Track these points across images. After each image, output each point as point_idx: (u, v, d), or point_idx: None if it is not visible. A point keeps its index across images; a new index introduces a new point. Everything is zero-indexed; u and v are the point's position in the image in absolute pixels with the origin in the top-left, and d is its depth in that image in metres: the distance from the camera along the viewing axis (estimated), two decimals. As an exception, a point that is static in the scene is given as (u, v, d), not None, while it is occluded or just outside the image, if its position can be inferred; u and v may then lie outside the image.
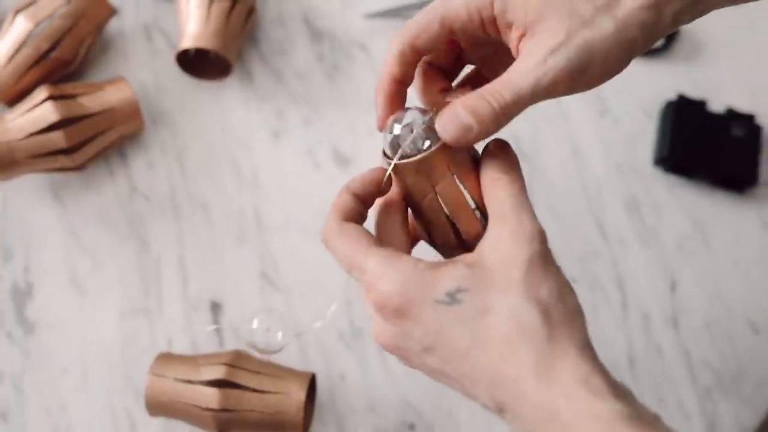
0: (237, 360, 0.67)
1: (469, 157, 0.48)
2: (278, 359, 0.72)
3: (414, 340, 0.44)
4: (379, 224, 0.49)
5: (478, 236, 0.46)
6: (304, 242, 0.77)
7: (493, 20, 0.47)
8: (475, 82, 0.52)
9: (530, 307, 0.42)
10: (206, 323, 0.74)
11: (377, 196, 0.49)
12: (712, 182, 0.81)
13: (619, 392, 0.41)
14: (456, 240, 0.48)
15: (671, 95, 0.84)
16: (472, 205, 0.47)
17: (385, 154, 0.49)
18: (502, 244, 0.44)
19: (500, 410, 0.43)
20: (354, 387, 0.73)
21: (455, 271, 0.43)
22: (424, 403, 0.72)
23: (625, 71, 0.86)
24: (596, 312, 0.76)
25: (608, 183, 0.81)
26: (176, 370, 0.67)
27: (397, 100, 0.49)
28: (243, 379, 0.66)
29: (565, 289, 0.43)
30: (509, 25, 0.46)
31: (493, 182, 0.46)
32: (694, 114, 0.81)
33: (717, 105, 0.84)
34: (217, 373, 0.65)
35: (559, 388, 0.40)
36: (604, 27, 0.44)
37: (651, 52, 0.85)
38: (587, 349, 0.42)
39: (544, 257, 0.44)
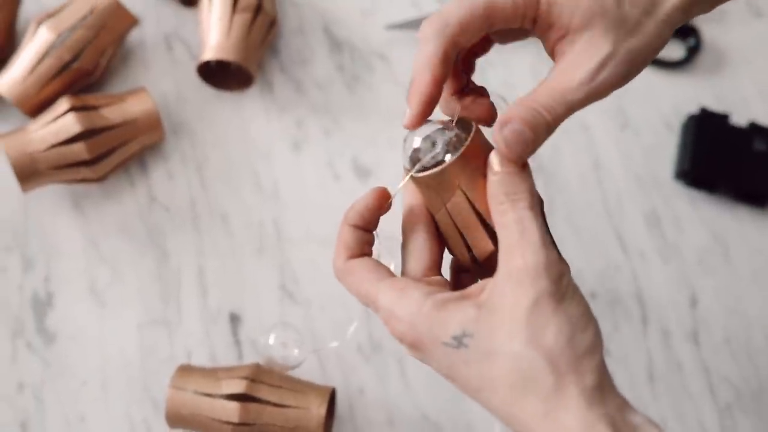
0: (257, 374, 0.67)
1: (483, 173, 0.46)
2: (297, 372, 0.72)
3: (433, 365, 0.45)
4: (405, 233, 0.48)
5: (491, 256, 0.46)
6: (324, 254, 0.77)
7: (535, 18, 0.46)
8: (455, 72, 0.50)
9: (534, 355, 0.41)
10: (225, 335, 0.74)
11: (379, 217, 0.48)
12: (734, 196, 0.80)
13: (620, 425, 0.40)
14: (471, 258, 0.47)
15: (693, 108, 0.84)
16: (482, 224, 0.46)
17: (407, 165, 0.48)
18: (508, 284, 0.42)
19: None
20: (373, 400, 0.73)
21: (462, 313, 0.43)
22: (443, 418, 0.72)
23: (646, 84, 0.86)
24: (616, 327, 0.76)
25: (629, 196, 0.81)
26: (196, 383, 0.67)
27: (435, 102, 0.47)
28: (263, 393, 0.66)
29: (576, 326, 0.42)
30: (550, 25, 0.45)
31: (499, 207, 0.44)
32: (717, 127, 0.81)
33: (739, 118, 0.83)
34: (238, 387, 0.65)
35: (562, 428, 0.40)
36: (647, 32, 0.45)
37: (673, 65, 0.85)
38: (597, 392, 0.41)
39: (552, 294, 0.42)
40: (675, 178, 0.81)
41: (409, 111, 0.47)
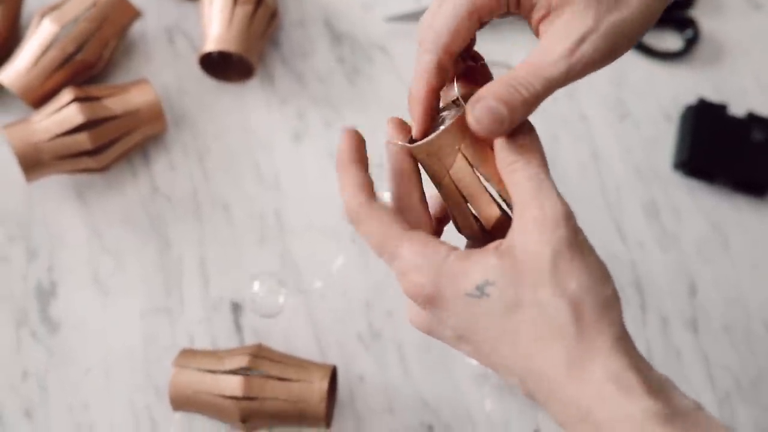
0: (259, 350, 0.68)
1: (485, 139, 0.46)
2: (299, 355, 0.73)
3: (447, 328, 0.44)
4: (397, 196, 0.47)
5: (499, 223, 0.46)
6: (325, 244, 0.78)
7: (518, 0, 0.46)
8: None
9: (560, 303, 0.41)
10: (227, 323, 0.75)
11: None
12: (732, 186, 0.80)
13: (654, 388, 0.40)
14: (478, 227, 0.47)
15: (691, 99, 0.84)
16: (490, 189, 0.46)
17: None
18: (528, 234, 0.42)
19: (533, 397, 0.43)
20: (373, 388, 0.73)
21: (485, 262, 0.42)
22: (443, 404, 0.73)
23: (645, 75, 0.86)
24: (615, 315, 0.76)
25: (628, 186, 0.81)
26: (199, 362, 0.68)
27: (435, 109, 0.48)
28: (266, 367, 0.67)
29: (597, 278, 0.42)
30: (532, 5, 0.45)
31: (509, 167, 0.44)
32: (715, 118, 0.81)
33: (738, 109, 0.84)
34: (240, 362, 0.66)
35: (590, 387, 0.40)
36: (631, 6, 0.44)
37: (671, 56, 0.85)
38: (622, 342, 0.41)
39: (572, 243, 0.42)
40: (673, 169, 0.82)
41: (413, 123, 0.48)
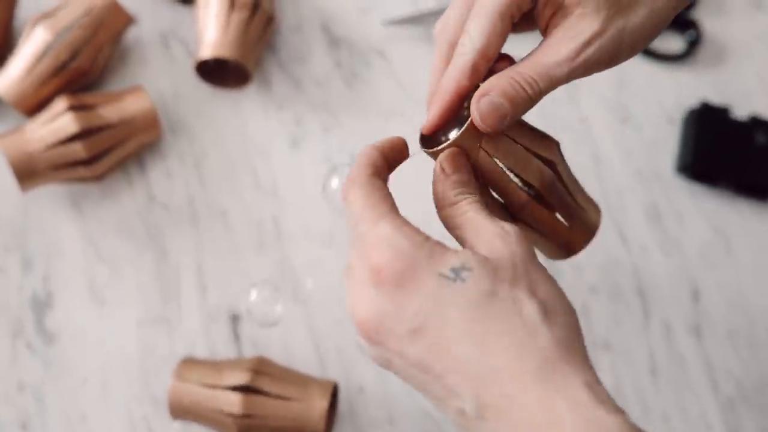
0: (260, 365, 0.67)
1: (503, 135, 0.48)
2: (297, 369, 0.72)
3: (402, 319, 0.40)
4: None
5: (528, 208, 0.47)
6: (323, 251, 0.77)
7: None
8: None
9: (534, 306, 0.40)
10: (225, 333, 0.74)
11: (397, 161, 0.47)
12: (735, 190, 0.80)
13: (621, 410, 0.38)
14: (503, 215, 0.49)
15: (694, 101, 0.83)
16: (514, 178, 0.47)
17: (422, 141, 0.49)
18: (495, 245, 0.42)
19: (481, 413, 0.39)
20: (373, 398, 0.72)
21: (462, 253, 0.41)
22: (443, 416, 0.72)
23: (647, 77, 0.85)
24: (617, 321, 0.76)
25: (629, 190, 0.80)
26: (199, 374, 0.67)
27: (456, 109, 0.47)
28: (266, 385, 0.66)
29: (561, 295, 0.42)
30: (545, 3, 0.46)
31: (454, 207, 0.45)
32: (718, 121, 0.80)
33: (741, 111, 0.83)
34: (241, 378, 0.66)
35: (563, 391, 0.38)
36: (639, 14, 0.44)
37: (674, 58, 0.84)
38: (588, 359, 0.40)
39: (534, 258, 0.42)
40: (676, 172, 0.81)
41: (429, 118, 0.47)
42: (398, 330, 0.40)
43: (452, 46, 0.48)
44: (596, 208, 0.54)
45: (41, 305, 0.75)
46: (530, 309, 0.40)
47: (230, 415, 0.65)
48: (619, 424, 0.37)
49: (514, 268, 0.41)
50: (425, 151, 0.48)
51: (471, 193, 0.45)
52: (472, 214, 0.44)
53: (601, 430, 0.36)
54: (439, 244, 0.42)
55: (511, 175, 0.47)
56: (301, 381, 0.67)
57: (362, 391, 0.73)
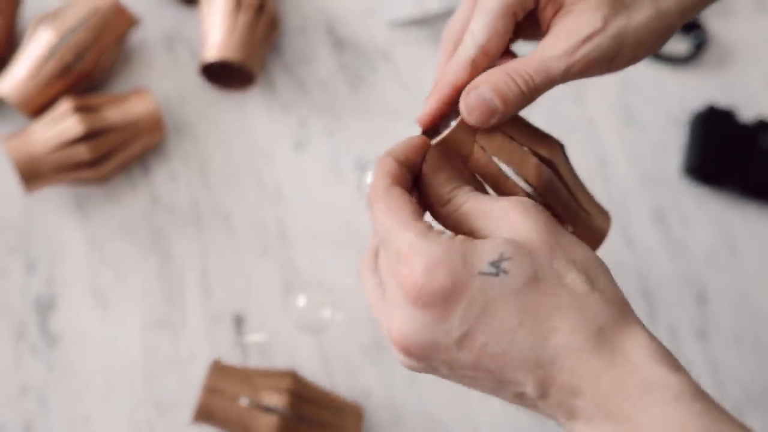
0: (296, 385, 0.66)
1: (500, 130, 0.46)
2: (306, 372, 0.72)
3: (449, 329, 0.38)
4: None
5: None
6: (328, 253, 0.77)
7: None
8: None
9: (577, 273, 0.39)
10: (229, 336, 0.74)
11: (420, 165, 0.45)
12: (741, 192, 0.79)
13: (677, 362, 0.38)
14: None
15: (700, 104, 0.83)
16: (511, 174, 0.46)
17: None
18: (515, 224, 0.40)
19: (543, 393, 0.38)
20: (378, 402, 0.72)
21: (493, 242, 0.39)
22: (449, 419, 0.72)
23: (653, 80, 0.85)
24: (623, 325, 0.75)
25: (635, 193, 0.80)
26: (234, 386, 0.65)
27: (453, 104, 0.47)
28: (303, 408, 0.65)
29: (594, 255, 0.41)
30: (547, 1, 0.45)
31: (449, 205, 0.44)
32: (723, 124, 0.80)
33: (747, 112, 0.83)
34: (279, 401, 0.64)
35: (621, 354, 0.37)
36: (642, 13, 0.44)
37: (679, 61, 0.84)
38: (634, 314, 0.39)
39: (558, 226, 0.41)
40: (682, 175, 0.80)
41: (425, 112, 0.46)
42: (445, 342, 0.39)
43: (457, 46, 0.48)
44: (605, 215, 0.52)
45: (45, 307, 0.74)
46: (575, 279, 0.39)
47: None
48: (681, 383, 0.36)
49: (546, 241, 0.40)
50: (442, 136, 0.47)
51: (462, 185, 0.44)
52: (471, 203, 0.43)
53: (663, 391, 0.36)
54: (466, 239, 0.40)
55: (510, 173, 0.46)
56: (334, 403, 0.67)
57: (368, 395, 0.72)
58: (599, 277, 0.40)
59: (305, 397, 0.66)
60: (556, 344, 0.38)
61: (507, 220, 0.41)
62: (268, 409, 0.64)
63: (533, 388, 0.39)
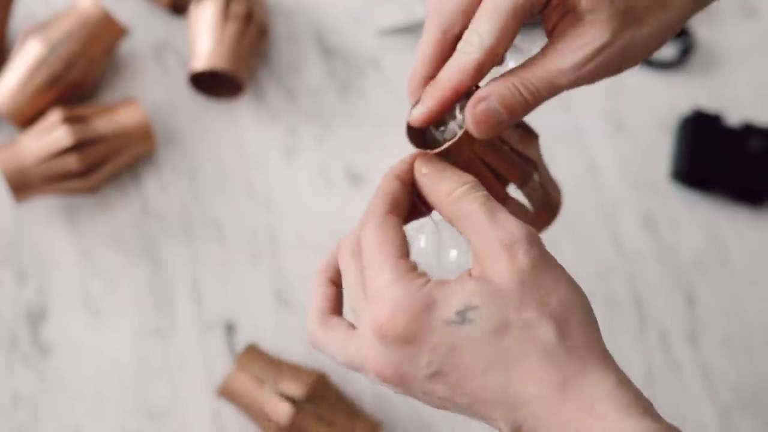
0: (320, 384, 0.67)
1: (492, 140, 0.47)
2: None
3: (419, 367, 0.40)
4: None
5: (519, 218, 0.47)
6: (318, 261, 0.77)
7: None
8: None
9: (546, 323, 0.39)
10: (220, 344, 0.74)
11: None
12: (730, 196, 0.80)
13: (645, 406, 0.39)
14: None
15: (687, 108, 0.84)
16: (509, 189, 0.48)
17: (409, 137, 0.47)
18: (499, 259, 0.40)
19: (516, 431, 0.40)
20: (369, 406, 0.72)
21: (462, 287, 0.40)
22: (439, 419, 0.72)
23: (640, 85, 0.85)
24: (613, 329, 0.75)
25: (624, 198, 0.80)
26: (259, 366, 0.67)
27: (452, 106, 0.46)
28: (320, 407, 0.66)
29: (576, 294, 0.41)
30: (557, 3, 0.44)
31: (450, 196, 0.43)
32: (711, 128, 0.80)
33: (734, 117, 0.83)
34: (297, 390, 0.66)
35: (586, 404, 0.38)
36: (648, 26, 0.44)
37: (666, 65, 0.85)
38: (608, 359, 0.40)
39: (547, 261, 0.41)
40: (670, 179, 0.81)
41: (421, 110, 0.45)
42: (418, 375, 0.40)
43: (445, 33, 0.46)
44: (559, 191, 0.55)
45: (36, 317, 0.74)
46: (544, 330, 0.39)
47: (275, 422, 0.65)
48: (642, 429, 0.37)
49: (522, 285, 0.40)
50: (414, 146, 0.47)
51: (469, 181, 0.44)
52: (476, 214, 0.42)
53: None
54: (438, 285, 0.40)
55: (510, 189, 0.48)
56: (352, 412, 0.68)
57: (359, 399, 0.72)
58: (571, 324, 0.40)
59: (326, 398, 0.67)
60: (522, 391, 0.39)
61: (495, 257, 0.41)
62: (286, 397, 0.65)
63: (506, 427, 0.40)
